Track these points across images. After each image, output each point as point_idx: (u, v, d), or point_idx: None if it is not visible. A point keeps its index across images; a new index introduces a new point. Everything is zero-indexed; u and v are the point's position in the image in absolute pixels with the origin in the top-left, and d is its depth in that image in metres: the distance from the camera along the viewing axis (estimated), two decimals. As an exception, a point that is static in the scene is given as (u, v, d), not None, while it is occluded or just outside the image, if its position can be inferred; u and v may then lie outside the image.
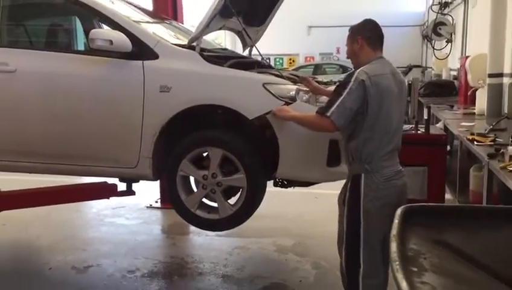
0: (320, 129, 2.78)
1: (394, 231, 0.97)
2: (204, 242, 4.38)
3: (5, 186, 3.03)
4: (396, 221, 1.01)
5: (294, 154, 3.14)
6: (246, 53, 4.31)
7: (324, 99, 3.42)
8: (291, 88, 3.15)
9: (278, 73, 3.47)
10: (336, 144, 3.12)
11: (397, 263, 0.84)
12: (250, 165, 3.19)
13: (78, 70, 3.37)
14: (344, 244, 2.73)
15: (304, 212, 5.12)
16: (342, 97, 2.55)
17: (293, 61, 18.69)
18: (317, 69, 16.51)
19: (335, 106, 2.55)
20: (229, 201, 3.33)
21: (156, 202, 5.59)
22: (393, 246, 0.90)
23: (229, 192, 3.36)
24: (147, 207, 5.49)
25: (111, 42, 3.13)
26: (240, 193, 3.31)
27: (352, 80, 2.57)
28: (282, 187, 3.54)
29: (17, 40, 4.20)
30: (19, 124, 3.45)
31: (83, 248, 4.31)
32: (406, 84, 2.88)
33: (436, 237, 1.02)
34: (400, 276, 0.80)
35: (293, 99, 3.08)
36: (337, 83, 3.69)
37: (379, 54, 2.74)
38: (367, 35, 2.72)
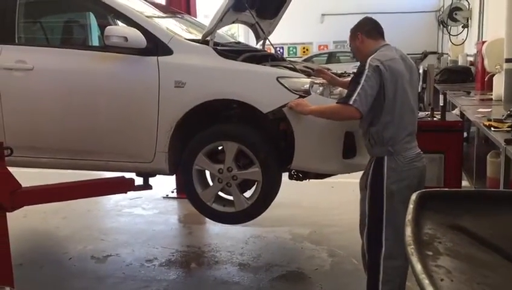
0: (345, 118, 2.84)
1: (409, 215, 0.97)
2: (220, 231, 4.42)
3: (25, 181, 3.12)
4: (411, 206, 1.01)
5: (310, 147, 3.15)
6: (259, 45, 4.31)
7: (339, 91, 3.42)
8: (305, 81, 3.15)
9: (291, 66, 3.47)
10: (352, 136, 3.13)
11: (412, 246, 0.85)
12: (265, 159, 3.21)
13: (94, 67, 3.42)
14: (366, 227, 2.77)
15: (319, 201, 5.13)
16: (360, 85, 2.60)
17: (307, 50, 18.55)
18: (331, 57, 16.39)
19: (356, 93, 2.60)
20: (244, 194, 3.35)
21: (172, 192, 5.65)
22: (408, 231, 0.90)
23: (244, 185, 3.38)
24: (163, 197, 5.55)
25: (126, 39, 3.17)
26: (255, 186, 3.33)
27: (367, 67, 2.62)
28: (297, 180, 3.56)
29: (33, 37, 4.26)
30: (38, 121, 3.52)
31: (101, 238, 4.38)
32: (416, 67, 2.92)
33: (451, 222, 1.02)
34: (414, 259, 0.81)
35: (307, 92, 3.08)
36: (352, 74, 3.70)
37: (382, 42, 2.82)
38: (365, 29, 2.82)
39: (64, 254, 4.02)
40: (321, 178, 3.63)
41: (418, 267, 0.78)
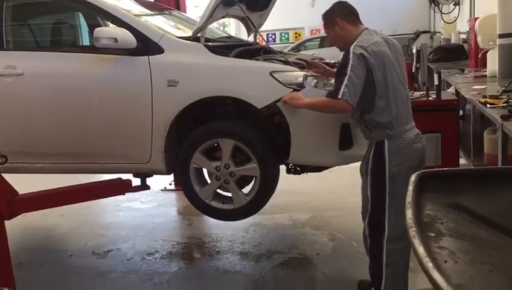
0: (336, 111, 2.81)
1: (409, 198, 0.95)
2: (220, 222, 4.38)
3: (21, 187, 3.12)
4: (410, 188, 0.99)
5: (306, 140, 3.13)
6: (251, 38, 4.27)
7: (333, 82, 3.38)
8: (298, 74, 3.13)
9: (284, 59, 3.43)
10: (348, 127, 3.12)
11: (413, 229, 0.83)
12: (262, 154, 3.19)
13: (85, 70, 3.39)
14: (369, 212, 2.75)
15: (317, 186, 5.12)
16: (347, 76, 2.55)
17: (299, 35, 18.45)
18: (324, 41, 16.29)
19: (343, 86, 2.55)
20: (243, 190, 3.34)
21: (170, 184, 5.63)
22: (409, 213, 0.89)
23: (242, 181, 3.37)
24: (162, 190, 5.53)
25: (116, 40, 3.14)
26: (253, 181, 3.32)
27: (351, 56, 2.57)
28: (295, 173, 3.55)
29: (22, 42, 4.21)
30: (31, 126, 3.49)
31: (101, 233, 4.37)
32: (400, 47, 2.88)
33: (452, 201, 1.00)
34: (416, 242, 0.79)
35: (301, 85, 3.06)
36: (336, 64, 3.67)
37: (362, 26, 2.77)
38: (343, 13, 2.76)
39: (64, 251, 4.01)
40: (319, 171, 3.62)
41: (421, 250, 0.77)
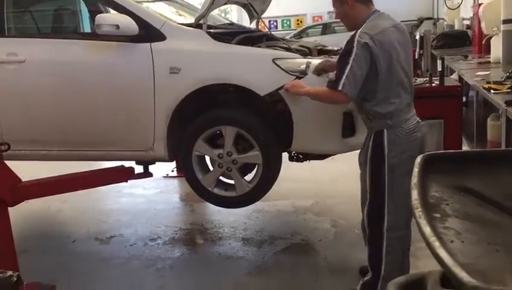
0: (334, 103, 2.76)
1: (414, 179, 0.94)
2: (222, 208, 4.39)
3: (25, 174, 3.14)
4: (416, 169, 0.98)
5: (309, 128, 3.11)
6: (253, 25, 4.24)
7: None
8: (301, 62, 3.10)
9: (286, 46, 3.40)
10: (350, 115, 3.10)
11: (419, 209, 0.82)
12: (264, 142, 3.18)
13: (87, 57, 3.37)
14: (367, 202, 2.72)
15: (320, 173, 5.11)
16: (349, 66, 2.46)
17: (301, 22, 18.34)
18: (326, 28, 16.19)
19: (344, 77, 2.47)
20: (245, 178, 3.34)
21: (172, 171, 5.63)
22: (415, 194, 0.88)
23: (245, 168, 3.36)
24: (164, 177, 5.53)
25: (117, 27, 3.12)
26: (256, 169, 3.31)
27: (355, 45, 2.46)
28: (298, 161, 3.55)
29: (24, 28, 4.19)
30: (33, 113, 3.48)
31: (103, 220, 4.38)
32: (408, 34, 2.78)
33: (458, 183, 0.99)
34: (422, 222, 0.79)
35: (303, 73, 3.03)
36: (340, 51, 3.63)
37: (373, 7, 2.63)
38: None
39: (67, 238, 4.02)
40: (322, 158, 3.61)
41: (427, 230, 0.76)
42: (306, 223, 4.07)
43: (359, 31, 2.52)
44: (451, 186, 0.98)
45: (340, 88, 2.48)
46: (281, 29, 17.69)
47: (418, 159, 1.04)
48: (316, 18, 18.22)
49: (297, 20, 18.37)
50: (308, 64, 3.07)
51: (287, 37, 15.02)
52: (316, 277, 3.18)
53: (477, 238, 0.78)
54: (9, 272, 1.51)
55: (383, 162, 2.59)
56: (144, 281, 3.24)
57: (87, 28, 4.63)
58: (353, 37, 2.51)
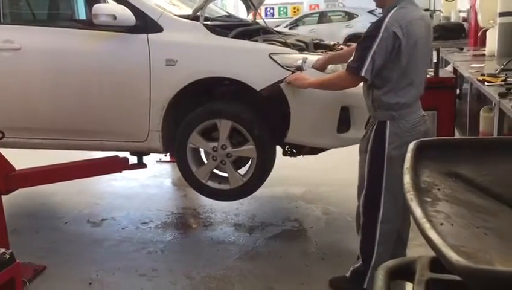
0: (347, 87, 2.71)
1: (407, 164, 0.96)
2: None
3: (18, 163, 3.13)
4: (409, 154, 1.00)
5: (306, 121, 3.13)
6: (250, 16, 4.23)
7: (332, 67, 3.31)
8: (297, 57, 3.11)
9: (283, 40, 3.39)
10: (347, 110, 3.11)
11: (411, 193, 0.83)
12: (259, 136, 3.19)
13: (83, 46, 3.35)
14: (364, 191, 2.72)
15: (312, 161, 5.11)
16: (372, 51, 2.40)
17: (298, 10, 18.27)
18: (322, 17, 16.14)
19: (367, 62, 2.41)
20: (239, 171, 3.35)
21: (165, 156, 5.62)
22: (407, 178, 0.89)
23: (239, 162, 3.38)
24: (157, 161, 5.52)
25: (114, 17, 3.10)
26: (250, 162, 3.32)
27: (382, 30, 2.39)
28: (291, 156, 3.57)
29: (19, 15, 4.15)
30: (29, 102, 3.47)
31: (96, 202, 4.39)
32: (431, 28, 2.72)
33: (449, 170, 1.01)
34: (413, 205, 0.80)
35: (299, 68, 3.04)
36: (340, 47, 3.62)
37: None
38: None
39: (59, 219, 4.03)
40: (315, 153, 3.63)
41: (418, 212, 0.77)
42: (297, 210, 4.10)
43: (389, 16, 2.42)
44: (443, 173, 0.99)
45: (363, 74, 2.43)
46: (277, 16, 17.63)
47: (411, 146, 1.06)
48: (313, 6, 18.15)
49: (294, 8, 18.30)
50: (304, 60, 3.07)
51: (283, 25, 14.93)
52: (307, 263, 3.21)
53: (466, 222, 0.80)
54: (2, 250, 1.52)
55: (383, 153, 2.57)
56: (135, 263, 3.26)
57: (82, 15, 4.59)
58: (381, 21, 2.43)
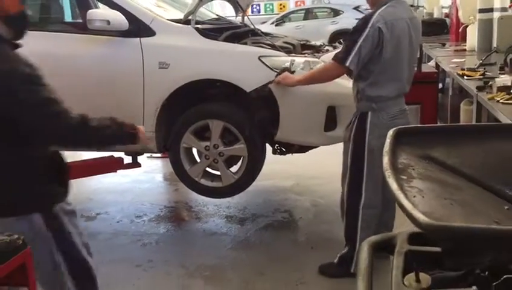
0: (333, 78, 2.89)
1: (387, 148, 1.08)
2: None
3: None
4: (388, 140, 1.12)
5: (294, 120, 3.29)
6: (239, 17, 4.35)
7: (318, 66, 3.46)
8: (285, 60, 3.27)
9: (271, 43, 3.52)
10: (333, 110, 3.27)
11: (389, 171, 0.96)
12: (249, 135, 3.34)
13: (78, 50, 3.44)
14: (347, 178, 2.88)
15: (301, 155, 5.26)
16: (358, 44, 2.57)
17: (284, 6, 18.39)
18: (308, 13, 16.27)
19: (352, 54, 2.58)
20: (231, 169, 3.49)
21: (156, 152, 5.71)
22: (386, 159, 1.02)
23: (231, 160, 3.52)
24: (148, 157, 5.60)
25: (108, 22, 3.20)
26: (241, 161, 3.45)
27: (369, 26, 2.57)
28: (280, 154, 3.71)
29: None
30: None
31: (89, 198, 4.47)
32: (420, 27, 2.89)
33: (423, 153, 1.13)
34: (391, 181, 0.92)
35: (288, 70, 3.18)
36: (327, 48, 3.77)
37: None
38: None
39: (54, 214, 4.10)
40: (303, 151, 3.78)
41: (394, 186, 0.90)
42: (287, 202, 4.23)
43: (377, 13, 2.60)
44: (418, 155, 1.12)
45: (347, 64, 2.60)
46: (263, 13, 17.72)
47: (390, 132, 1.19)
48: (299, 3, 18.28)
49: (280, 4, 18.42)
50: (292, 62, 3.23)
51: (269, 22, 14.97)
52: (297, 251, 3.34)
53: (436, 195, 0.93)
54: (16, 235, 1.62)
55: (364, 142, 2.74)
56: (131, 255, 3.36)
57: (68, 17, 4.65)
58: (369, 17, 2.61)
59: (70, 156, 3.65)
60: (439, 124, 5.10)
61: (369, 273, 1.10)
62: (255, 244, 3.47)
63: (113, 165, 3.67)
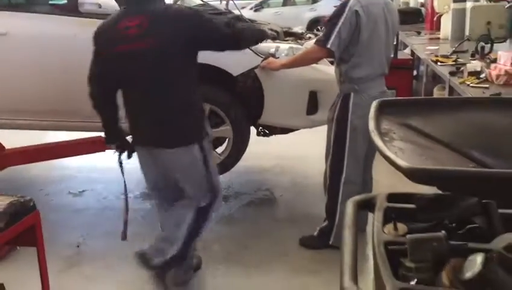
0: (316, 60, 3.07)
1: (371, 115, 1.24)
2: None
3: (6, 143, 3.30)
4: (372, 110, 1.28)
5: (278, 103, 3.46)
6: (223, 4, 4.46)
7: (303, 47, 3.61)
8: (271, 46, 3.42)
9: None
10: (315, 95, 3.45)
11: (374, 133, 1.12)
12: (235, 117, 3.49)
13: (69, 32, 3.52)
14: (330, 155, 3.06)
15: (283, 137, 5.43)
16: (337, 27, 2.75)
17: (263, -8, 18.35)
18: (287, 0, 16.35)
19: (333, 36, 2.76)
20: (216, 150, 3.63)
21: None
22: (371, 124, 1.17)
23: (216, 141, 3.66)
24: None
25: (99, 6, 3.29)
26: (226, 142, 3.60)
27: (346, 10, 2.76)
28: (264, 136, 3.88)
29: (5, 1, 4.23)
30: (15, 85, 3.62)
31: (74, 175, 4.55)
32: (397, 13, 3.08)
33: (403, 121, 1.29)
34: (376, 139, 1.09)
35: (273, 56, 3.33)
36: (309, 36, 3.94)
37: None
38: None
39: (40, 191, 4.18)
40: (285, 133, 3.95)
41: (380, 143, 1.06)
42: (268, 181, 4.40)
43: None
44: (398, 123, 1.29)
45: (329, 46, 2.77)
46: (242, -2, 17.70)
47: (374, 103, 1.35)
48: (278, -11, 18.27)
49: (259, -10, 18.38)
50: (277, 48, 3.38)
51: (248, 7, 15.00)
52: (278, 227, 3.51)
53: (413, 152, 1.10)
54: (28, 197, 1.73)
55: (347, 122, 2.93)
56: (119, 228, 3.45)
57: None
58: (346, 2, 2.80)
59: (58, 137, 3.75)
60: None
61: (354, 225, 1.27)
62: (238, 220, 3.64)
63: (102, 145, 3.76)
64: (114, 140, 2.77)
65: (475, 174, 1.00)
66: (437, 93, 4.52)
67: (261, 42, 3.12)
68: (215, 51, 2.68)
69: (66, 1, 4.27)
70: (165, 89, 2.42)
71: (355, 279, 1.05)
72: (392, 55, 5.10)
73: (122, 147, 2.78)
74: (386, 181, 3.17)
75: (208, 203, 2.62)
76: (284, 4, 15.84)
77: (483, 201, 1.23)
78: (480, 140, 1.26)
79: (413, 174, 0.94)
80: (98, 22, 3.39)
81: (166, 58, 2.35)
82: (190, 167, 2.53)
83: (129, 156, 2.86)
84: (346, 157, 2.98)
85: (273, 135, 3.97)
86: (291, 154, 4.96)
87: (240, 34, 2.59)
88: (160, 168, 2.68)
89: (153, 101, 2.45)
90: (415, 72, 6.15)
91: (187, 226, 2.60)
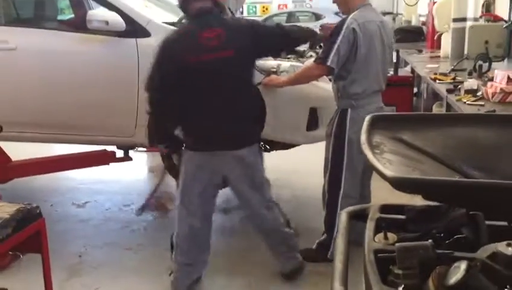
0: (316, 77, 3.16)
1: (364, 129, 1.31)
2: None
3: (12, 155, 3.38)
4: (365, 124, 1.35)
5: (279, 120, 3.50)
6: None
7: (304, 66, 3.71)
8: (273, 64, 3.50)
9: None
10: (315, 111, 3.51)
11: (365, 146, 1.18)
12: None
13: (77, 48, 3.62)
14: (328, 170, 3.12)
15: (283, 152, 5.49)
16: (336, 45, 2.85)
17: (267, 9, 18.66)
18: (291, 16, 16.59)
19: (332, 54, 2.85)
20: None
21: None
22: (363, 138, 1.24)
23: None
24: (134, 151, 5.76)
25: (107, 23, 3.39)
26: None
27: (344, 28, 2.86)
28: (265, 151, 3.94)
29: (14, 17, 4.38)
30: (25, 98, 3.70)
31: (77, 187, 4.62)
32: (391, 31, 3.19)
33: (394, 135, 1.35)
34: (367, 151, 1.15)
35: (274, 73, 3.41)
36: (311, 55, 4.05)
37: (366, 0, 3.03)
38: None
39: (44, 201, 4.24)
40: (286, 148, 4.02)
41: (370, 155, 1.13)
42: (269, 194, 4.43)
43: (350, 17, 2.90)
44: (389, 137, 1.35)
45: (329, 63, 2.86)
46: (247, 15, 17.94)
47: (367, 118, 1.42)
48: (282, 6, 18.57)
49: (263, 7, 18.68)
50: (278, 66, 3.48)
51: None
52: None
53: (401, 163, 1.16)
54: (34, 204, 1.80)
55: (344, 137, 3.00)
56: (121, 239, 3.54)
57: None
58: (343, 21, 2.91)
59: (65, 149, 3.83)
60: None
61: (347, 234, 1.33)
62: (239, 231, 3.70)
63: (106, 158, 3.86)
64: (162, 140, 3.06)
65: (456, 183, 1.06)
66: (436, 110, 4.59)
67: (309, 40, 3.41)
68: (274, 54, 3.09)
69: (74, 18, 4.42)
70: (241, 93, 2.73)
71: (345, 284, 1.11)
72: (392, 72, 5.23)
73: (172, 146, 3.06)
74: (385, 196, 3.22)
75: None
76: (288, 21, 16.05)
77: (471, 213, 1.29)
78: (467, 154, 1.32)
79: (397, 183, 1.00)
80: (105, 39, 3.55)
81: (243, 66, 2.72)
82: (254, 165, 2.85)
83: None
84: (344, 172, 3.04)
85: (274, 150, 4.03)
86: (291, 168, 5.01)
87: (293, 33, 2.89)
88: (216, 173, 2.82)
89: (231, 104, 2.71)
90: (415, 90, 6.23)
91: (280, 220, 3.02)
